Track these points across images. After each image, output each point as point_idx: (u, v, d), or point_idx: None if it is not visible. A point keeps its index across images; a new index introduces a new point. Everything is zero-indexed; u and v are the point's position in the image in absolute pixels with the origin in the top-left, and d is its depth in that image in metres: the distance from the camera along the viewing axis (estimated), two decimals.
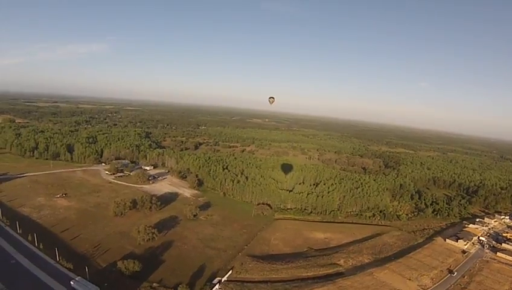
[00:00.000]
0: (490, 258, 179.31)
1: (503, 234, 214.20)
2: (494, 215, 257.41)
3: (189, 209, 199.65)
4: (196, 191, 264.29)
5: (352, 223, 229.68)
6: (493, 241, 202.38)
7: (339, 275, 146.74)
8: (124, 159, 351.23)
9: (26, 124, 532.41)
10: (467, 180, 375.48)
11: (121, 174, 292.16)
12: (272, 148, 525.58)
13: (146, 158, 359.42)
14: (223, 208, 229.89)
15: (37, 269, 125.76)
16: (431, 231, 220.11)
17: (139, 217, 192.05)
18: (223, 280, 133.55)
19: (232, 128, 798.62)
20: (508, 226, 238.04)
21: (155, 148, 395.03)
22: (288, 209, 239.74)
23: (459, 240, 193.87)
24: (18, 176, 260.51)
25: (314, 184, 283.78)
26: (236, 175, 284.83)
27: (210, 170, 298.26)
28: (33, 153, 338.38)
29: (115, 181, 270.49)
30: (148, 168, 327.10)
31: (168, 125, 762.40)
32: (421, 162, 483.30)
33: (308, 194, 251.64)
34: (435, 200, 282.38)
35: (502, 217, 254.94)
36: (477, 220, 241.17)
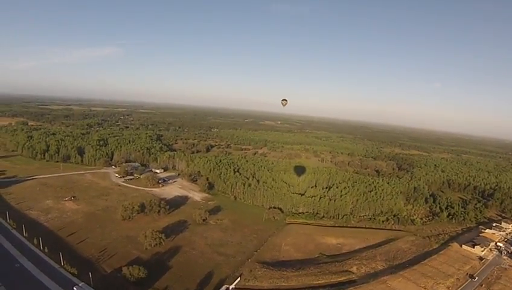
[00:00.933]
0: (508, 265, 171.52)
1: None
2: None
3: (198, 214, 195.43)
4: (206, 195, 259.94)
5: (365, 227, 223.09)
6: (511, 247, 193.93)
7: (351, 283, 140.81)
8: (135, 162, 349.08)
9: (38, 127, 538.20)
10: (482, 183, 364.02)
11: (131, 177, 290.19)
12: (284, 151, 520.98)
13: (157, 161, 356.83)
14: (233, 212, 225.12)
15: (41, 273, 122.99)
16: (446, 236, 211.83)
17: (147, 221, 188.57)
18: (230, 287, 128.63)
19: (244, 131, 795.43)
20: None
21: (166, 151, 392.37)
22: (300, 213, 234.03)
23: (475, 246, 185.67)
24: (28, 178, 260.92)
25: (326, 187, 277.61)
26: (248, 178, 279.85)
27: (221, 173, 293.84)
28: (44, 155, 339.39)
29: (124, 184, 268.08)
30: (158, 171, 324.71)
31: (179, 127, 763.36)
32: (435, 165, 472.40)
33: (320, 197, 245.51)
34: (450, 203, 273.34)
35: None
36: (494, 224, 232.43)
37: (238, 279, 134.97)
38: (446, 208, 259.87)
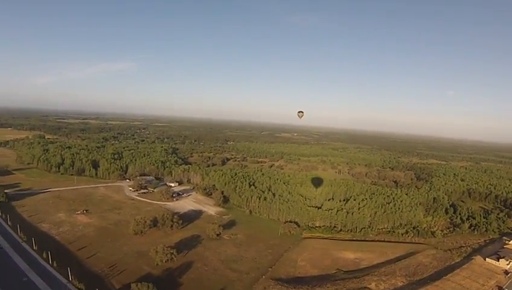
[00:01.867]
0: None
1: None
2: None
3: (212, 228, 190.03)
4: (221, 209, 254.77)
5: (384, 241, 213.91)
6: None
7: None
8: (149, 175, 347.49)
9: (55, 140, 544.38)
10: (504, 191, 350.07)
11: (145, 190, 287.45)
12: (300, 163, 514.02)
13: (171, 174, 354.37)
14: (248, 226, 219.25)
15: (48, 288, 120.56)
16: (469, 248, 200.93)
17: (160, 235, 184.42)
18: None
19: (261, 143, 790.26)
20: None
21: (181, 165, 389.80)
22: (316, 227, 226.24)
23: (500, 259, 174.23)
24: (41, 191, 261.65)
25: (344, 200, 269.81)
26: (263, 192, 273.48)
27: (236, 186, 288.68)
28: (59, 168, 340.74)
29: (138, 198, 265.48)
30: (173, 184, 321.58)
31: (195, 141, 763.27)
32: (454, 173, 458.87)
33: (337, 210, 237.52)
34: (471, 214, 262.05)
35: None
36: None
37: None
38: (467, 219, 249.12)
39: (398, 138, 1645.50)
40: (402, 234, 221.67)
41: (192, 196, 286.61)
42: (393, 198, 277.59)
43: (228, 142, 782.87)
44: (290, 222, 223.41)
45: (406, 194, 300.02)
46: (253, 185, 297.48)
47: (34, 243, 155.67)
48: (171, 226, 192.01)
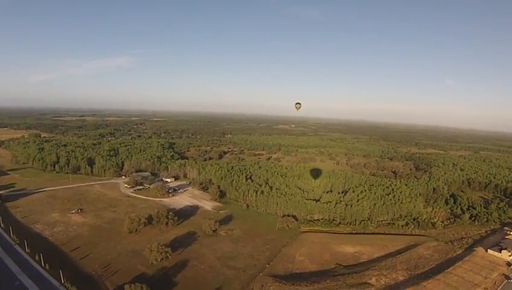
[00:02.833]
0: None
1: None
2: None
3: (208, 224, 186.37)
4: (218, 204, 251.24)
5: (383, 233, 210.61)
6: None
7: None
8: (145, 171, 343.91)
9: (50, 139, 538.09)
10: (504, 180, 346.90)
11: (141, 187, 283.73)
12: (298, 155, 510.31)
13: (167, 170, 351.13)
14: (245, 221, 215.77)
15: None
16: (470, 240, 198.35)
17: (155, 233, 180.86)
18: None
19: (258, 136, 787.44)
20: None
21: (177, 159, 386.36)
22: (315, 220, 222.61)
23: (502, 251, 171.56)
24: (36, 191, 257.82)
25: (342, 192, 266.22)
26: (260, 185, 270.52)
27: (233, 180, 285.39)
28: (54, 167, 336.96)
29: (133, 195, 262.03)
30: (169, 180, 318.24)
31: (192, 135, 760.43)
32: (453, 163, 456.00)
33: (336, 203, 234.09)
34: (471, 204, 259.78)
35: None
36: None
37: None
38: (468, 209, 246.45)
39: (396, 128, 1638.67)
40: (402, 226, 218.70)
41: (189, 191, 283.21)
42: (393, 189, 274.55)
43: (225, 135, 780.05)
44: (288, 215, 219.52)
45: (406, 185, 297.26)
46: (250, 178, 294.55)
47: (27, 245, 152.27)
48: (167, 223, 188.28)
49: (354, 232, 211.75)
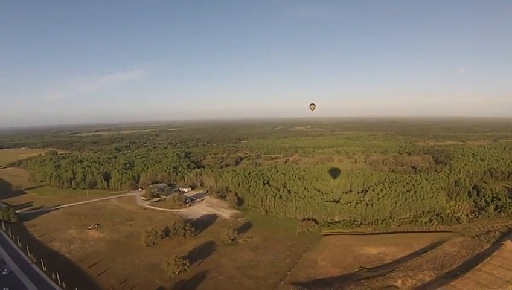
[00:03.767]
0: None
1: None
2: None
3: (226, 233, 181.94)
4: (236, 211, 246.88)
5: (407, 231, 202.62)
6: None
7: None
8: (161, 182, 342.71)
9: (67, 155, 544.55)
10: None
11: (157, 198, 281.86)
12: (315, 156, 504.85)
13: (184, 179, 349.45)
14: (264, 227, 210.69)
15: None
16: (497, 233, 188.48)
17: (173, 245, 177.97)
18: None
19: (274, 139, 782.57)
20: None
21: (193, 168, 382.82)
22: (335, 222, 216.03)
23: None
24: (53, 208, 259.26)
25: (362, 191, 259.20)
26: (278, 190, 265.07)
27: (250, 186, 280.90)
28: (71, 183, 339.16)
29: (150, 207, 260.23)
30: (186, 190, 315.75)
31: (208, 143, 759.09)
32: (473, 153, 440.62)
33: (356, 203, 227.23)
34: (495, 195, 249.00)
35: None
36: None
37: None
38: (492, 201, 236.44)
39: (410, 122, 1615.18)
40: (425, 223, 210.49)
41: (206, 200, 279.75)
42: (413, 185, 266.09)
43: (241, 141, 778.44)
44: (308, 219, 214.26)
45: (426, 180, 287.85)
46: (268, 183, 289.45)
47: (43, 263, 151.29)
48: (184, 234, 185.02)
49: (376, 232, 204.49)
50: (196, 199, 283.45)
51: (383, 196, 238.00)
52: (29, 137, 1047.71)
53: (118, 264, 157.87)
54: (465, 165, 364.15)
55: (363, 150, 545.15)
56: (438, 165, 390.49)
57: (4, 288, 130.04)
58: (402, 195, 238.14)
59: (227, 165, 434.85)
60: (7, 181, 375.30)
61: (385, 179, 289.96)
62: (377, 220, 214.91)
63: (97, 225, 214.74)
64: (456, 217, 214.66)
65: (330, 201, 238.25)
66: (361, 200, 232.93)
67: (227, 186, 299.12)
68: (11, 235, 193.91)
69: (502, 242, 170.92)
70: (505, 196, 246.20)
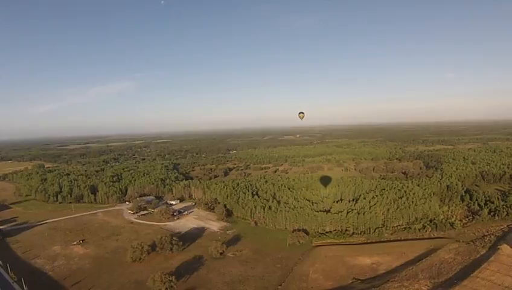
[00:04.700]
0: None
1: None
2: None
3: (214, 247, 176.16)
4: (225, 224, 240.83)
5: (400, 239, 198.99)
6: None
7: None
8: (149, 195, 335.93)
9: (54, 169, 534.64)
10: None
11: (144, 212, 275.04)
12: (305, 165, 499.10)
13: (172, 192, 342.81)
14: (254, 240, 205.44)
15: None
16: (492, 237, 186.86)
17: (159, 261, 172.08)
18: None
19: (263, 149, 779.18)
20: None
21: (181, 180, 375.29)
22: (327, 233, 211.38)
23: None
24: (37, 224, 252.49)
25: (353, 200, 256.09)
26: (267, 200, 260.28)
27: (239, 197, 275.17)
28: (57, 197, 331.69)
29: (137, 221, 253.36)
30: (174, 202, 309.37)
31: (197, 154, 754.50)
32: (464, 157, 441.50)
33: (347, 212, 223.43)
34: (488, 198, 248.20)
35: None
36: None
37: None
38: (485, 204, 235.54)
39: (400, 127, 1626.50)
40: (419, 230, 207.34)
41: (194, 213, 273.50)
42: (405, 191, 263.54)
43: (230, 152, 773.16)
44: (298, 230, 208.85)
45: (418, 186, 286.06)
46: (257, 194, 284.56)
47: (24, 283, 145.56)
48: (171, 249, 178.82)
49: (369, 241, 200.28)
50: (184, 211, 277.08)
51: (375, 204, 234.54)
52: (17, 150, 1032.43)
53: (103, 282, 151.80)
54: (457, 169, 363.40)
55: (353, 158, 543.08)
56: (429, 170, 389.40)
57: None
58: (394, 202, 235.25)
59: (215, 177, 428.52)
60: None
61: (376, 187, 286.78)
62: (369, 229, 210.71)
63: (82, 241, 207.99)
64: (449, 223, 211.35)
65: (321, 211, 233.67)
66: (352, 209, 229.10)
67: (216, 198, 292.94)
68: None
69: (498, 246, 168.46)
70: (498, 198, 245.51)
